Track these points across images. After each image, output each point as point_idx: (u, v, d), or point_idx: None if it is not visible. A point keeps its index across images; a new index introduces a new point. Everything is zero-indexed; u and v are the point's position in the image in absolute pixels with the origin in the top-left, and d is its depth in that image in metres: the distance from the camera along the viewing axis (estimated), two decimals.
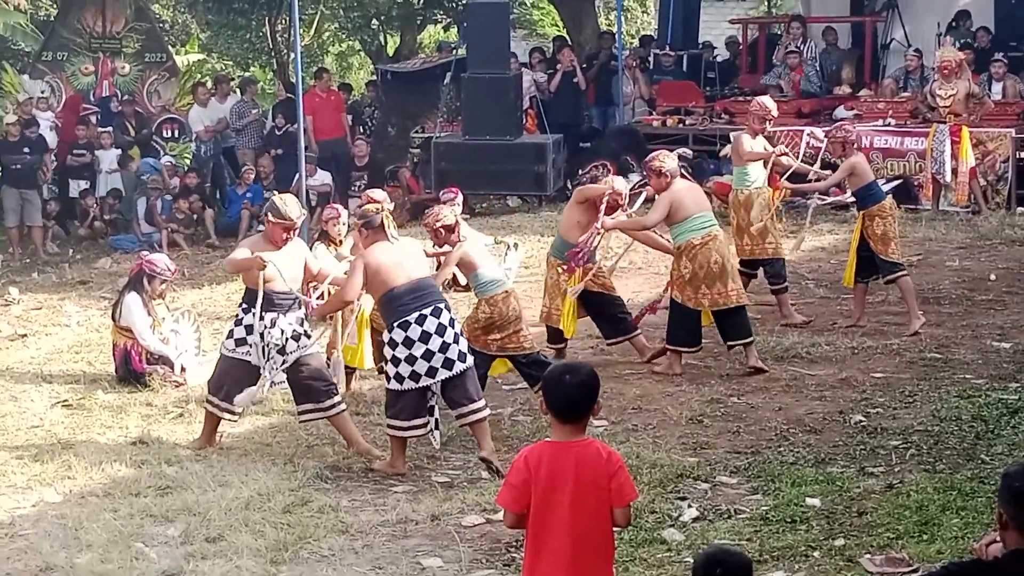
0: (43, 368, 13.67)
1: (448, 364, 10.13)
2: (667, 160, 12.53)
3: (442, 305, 10.21)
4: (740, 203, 14.03)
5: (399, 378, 10.11)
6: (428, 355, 10.06)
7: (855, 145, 14.28)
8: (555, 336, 12.73)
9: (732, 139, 14.88)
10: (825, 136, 14.63)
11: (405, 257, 10.25)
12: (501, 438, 10.63)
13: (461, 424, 10.43)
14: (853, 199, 14.24)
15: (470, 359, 10.35)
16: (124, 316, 12.96)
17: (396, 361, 10.10)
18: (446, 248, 11.47)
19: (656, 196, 12.56)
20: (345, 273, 11.03)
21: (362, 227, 10.40)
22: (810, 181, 14.58)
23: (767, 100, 14.57)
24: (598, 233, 12.44)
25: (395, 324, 10.08)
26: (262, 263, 10.48)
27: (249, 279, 10.71)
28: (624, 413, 11.46)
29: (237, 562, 8.46)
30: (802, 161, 15.18)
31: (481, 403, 10.34)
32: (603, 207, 12.33)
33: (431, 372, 10.10)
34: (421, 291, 10.16)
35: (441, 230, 11.41)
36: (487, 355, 11.24)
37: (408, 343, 10.04)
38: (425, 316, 10.06)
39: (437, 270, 11.76)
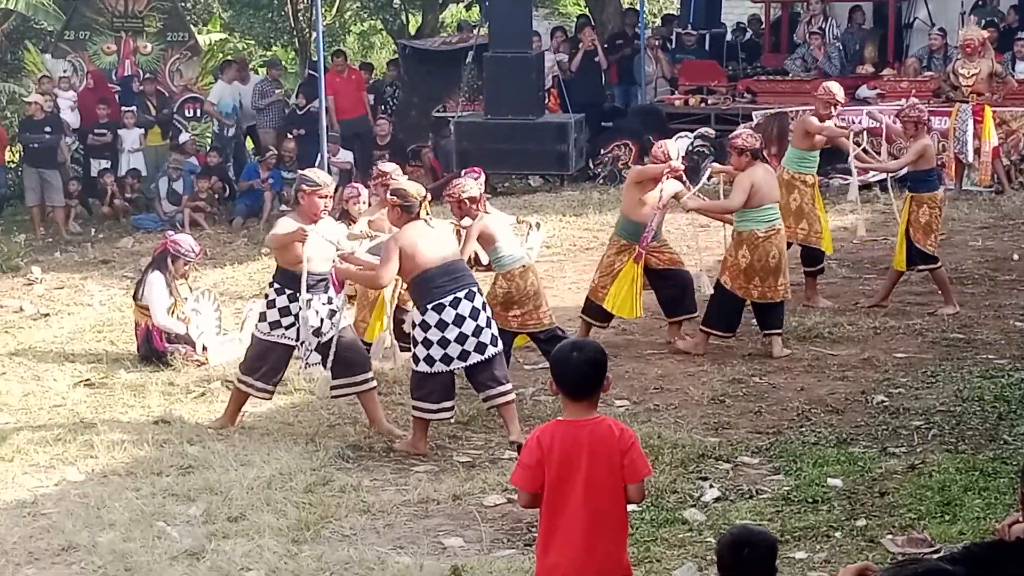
0: (65, 347, 13.70)
1: (480, 348, 10.06)
2: (752, 139, 12.38)
3: (475, 288, 10.13)
4: (783, 183, 13.52)
5: (430, 360, 10.03)
6: (461, 338, 9.98)
7: (927, 126, 13.98)
8: (598, 312, 12.67)
9: (797, 121, 14.46)
10: (897, 116, 14.37)
11: (439, 238, 10.13)
12: (523, 418, 10.58)
13: (488, 407, 10.39)
14: (908, 180, 13.89)
15: (500, 343, 10.29)
16: (145, 295, 12.98)
17: (428, 344, 10.00)
18: (465, 222, 11.38)
19: (730, 176, 12.41)
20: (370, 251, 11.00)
21: (399, 207, 10.16)
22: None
23: (834, 85, 14.15)
24: (661, 210, 12.37)
25: (428, 306, 9.97)
26: (304, 233, 10.34)
27: (287, 259, 10.58)
28: (646, 393, 11.46)
29: (259, 541, 8.47)
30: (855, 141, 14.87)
31: (508, 386, 10.28)
32: (664, 182, 12.24)
33: (463, 356, 10.03)
34: (455, 273, 10.06)
35: (466, 201, 11.33)
36: (508, 332, 11.23)
37: (442, 326, 9.95)
38: (460, 299, 9.97)
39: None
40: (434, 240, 10.07)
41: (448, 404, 10.19)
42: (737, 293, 12.31)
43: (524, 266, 11.45)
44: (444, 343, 9.98)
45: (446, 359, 10.01)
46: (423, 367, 10.08)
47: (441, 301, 9.96)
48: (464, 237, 11.54)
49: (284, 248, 10.57)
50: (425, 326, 10.00)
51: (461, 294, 9.99)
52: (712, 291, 12.50)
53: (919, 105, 14.28)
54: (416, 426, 10.25)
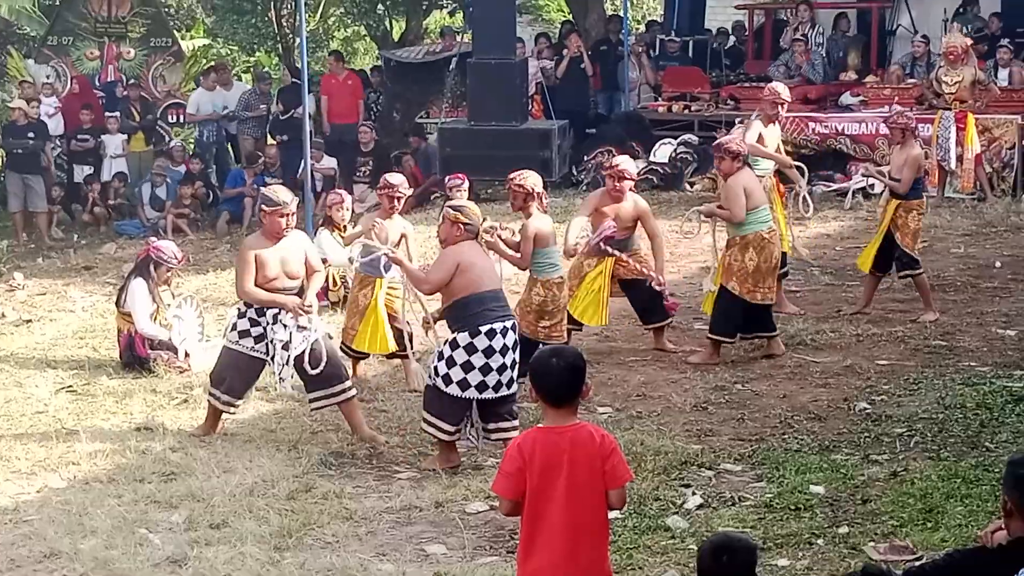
0: (48, 354, 13.66)
1: (510, 383, 9.87)
2: (742, 146, 12.43)
3: (513, 323, 10.00)
4: None
5: (464, 385, 9.76)
6: (501, 369, 9.78)
7: (915, 133, 13.92)
8: (571, 316, 12.66)
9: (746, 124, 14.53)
10: (885, 122, 14.35)
11: (491, 264, 10.08)
12: None
13: (495, 438, 10.08)
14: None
15: (517, 384, 9.99)
16: (127, 301, 12.95)
17: (468, 367, 9.73)
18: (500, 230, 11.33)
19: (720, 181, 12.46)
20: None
21: (464, 226, 9.89)
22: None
23: (779, 86, 14.29)
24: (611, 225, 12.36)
25: (482, 329, 9.71)
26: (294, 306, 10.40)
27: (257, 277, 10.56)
28: (628, 400, 11.46)
29: (241, 548, 8.45)
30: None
31: (516, 423, 10.00)
32: (618, 185, 12.26)
33: (497, 386, 9.81)
34: (501, 302, 9.93)
35: (531, 193, 11.24)
36: (533, 342, 10.89)
37: (489, 352, 9.72)
38: (507, 329, 9.81)
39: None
40: (488, 266, 10.01)
41: (461, 426, 10.00)
42: (745, 297, 12.28)
43: (561, 277, 11.47)
44: (486, 370, 9.75)
45: (481, 386, 9.79)
46: (454, 390, 9.79)
47: (493, 327, 9.75)
48: (521, 237, 11.42)
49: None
50: (471, 349, 9.74)
51: (508, 324, 9.85)
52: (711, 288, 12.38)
53: (907, 112, 14.23)
54: (442, 446, 10.06)
